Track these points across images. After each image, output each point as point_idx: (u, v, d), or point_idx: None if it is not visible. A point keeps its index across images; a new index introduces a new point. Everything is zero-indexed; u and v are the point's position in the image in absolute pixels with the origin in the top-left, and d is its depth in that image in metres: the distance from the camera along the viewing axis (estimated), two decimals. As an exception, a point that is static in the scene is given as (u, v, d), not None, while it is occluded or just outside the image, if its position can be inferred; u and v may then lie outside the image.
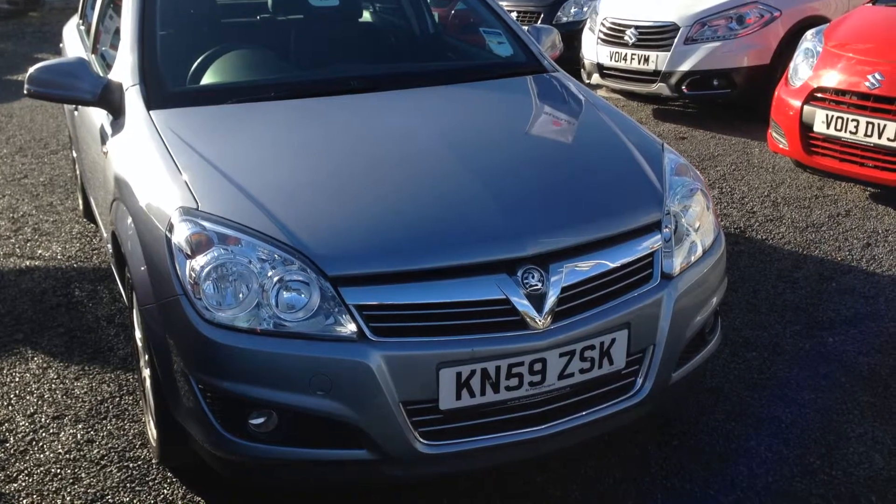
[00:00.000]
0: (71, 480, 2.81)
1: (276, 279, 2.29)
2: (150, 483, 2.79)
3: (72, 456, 2.94)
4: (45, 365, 3.54)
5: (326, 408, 2.27)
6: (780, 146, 5.59)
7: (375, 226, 2.41)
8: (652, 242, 2.60)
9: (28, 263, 4.62)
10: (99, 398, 3.28)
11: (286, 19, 4.06)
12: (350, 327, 2.27)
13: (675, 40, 7.17)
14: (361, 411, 2.28)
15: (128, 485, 2.79)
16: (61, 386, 3.38)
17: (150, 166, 2.71)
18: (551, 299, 2.37)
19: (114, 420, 3.14)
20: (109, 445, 2.99)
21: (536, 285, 2.36)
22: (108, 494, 2.74)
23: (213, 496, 2.72)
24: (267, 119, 3.00)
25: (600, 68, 7.77)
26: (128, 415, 3.17)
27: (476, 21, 4.08)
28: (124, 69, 3.18)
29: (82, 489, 2.77)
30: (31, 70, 3.15)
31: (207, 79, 3.28)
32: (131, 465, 2.89)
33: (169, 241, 2.41)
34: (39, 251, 4.77)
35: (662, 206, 2.67)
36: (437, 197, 2.56)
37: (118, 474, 2.84)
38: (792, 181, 5.80)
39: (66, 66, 3.19)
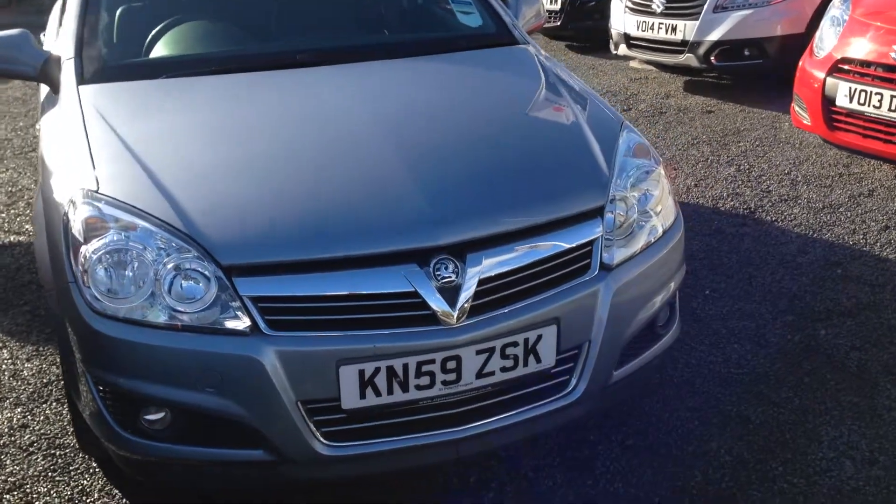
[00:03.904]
0: (-4, 466, 2.75)
1: (171, 269, 2.15)
2: (72, 473, 2.70)
3: (1, 441, 2.86)
4: (0, 344, 3.48)
5: (216, 406, 2.13)
6: (804, 122, 5.23)
7: (278, 213, 2.25)
8: (591, 231, 2.38)
9: (12, 239, 4.59)
10: (45, 380, 3.22)
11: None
12: (243, 320, 2.12)
13: (704, 8, 6.81)
14: (254, 410, 2.13)
15: (49, 474, 2.70)
16: (11, 367, 3.32)
17: (66, 145, 2.60)
18: (466, 292, 2.18)
19: (54, 404, 3.07)
20: (42, 431, 2.92)
21: (450, 277, 2.17)
22: (27, 484, 2.66)
23: (131, 489, 2.61)
24: (197, 96, 2.85)
25: (627, 38, 7.46)
26: (70, 399, 3.09)
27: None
28: (65, 42, 3.07)
29: (2, 477, 2.69)
30: (-26, 43, 3.06)
31: (151, 52, 3.14)
32: (58, 452, 2.80)
33: (66, 223, 2.29)
34: (27, 226, 4.73)
35: (607, 192, 2.45)
36: (355, 182, 2.38)
37: (42, 462, 2.76)
38: (817, 158, 5.45)
39: (8, 38, 3.09)
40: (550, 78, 3.06)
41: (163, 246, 2.18)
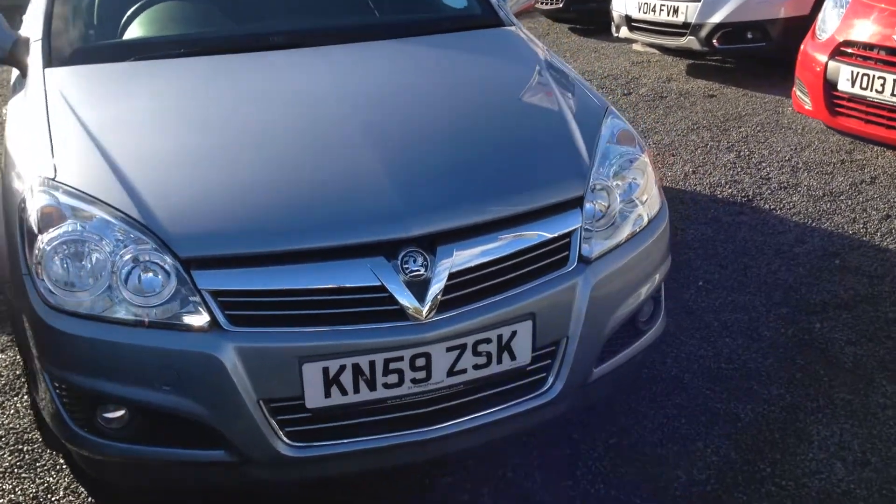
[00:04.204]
0: (-38, 462, 2.67)
1: (128, 261, 2.06)
2: (38, 469, 2.63)
3: (-32, 436, 2.80)
4: (-26, 335, 3.41)
5: (173, 405, 2.04)
6: (805, 107, 5.10)
7: (239, 203, 2.15)
8: (569, 222, 2.28)
9: None
10: (18, 372, 3.14)
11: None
12: (202, 315, 2.03)
13: (707, -11, 6.65)
14: (213, 409, 2.04)
15: (15, 470, 2.63)
16: (-16, 358, 3.25)
17: (27, 131, 2.50)
18: (436, 287, 2.08)
19: (25, 397, 2.99)
20: (10, 425, 2.84)
21: (418, 271, 2.07)
22: (-10, 480, 2.59)
23: (96, 487, 2.53)
24: (165, 80, 2.74)
25: (629, 21, 7.32)
26: (40, 391, 3.01)
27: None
28: (34, 22, 2.97)
29: (-34, 473, 2.62)
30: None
31: (124, 34, 3.04)
32: (25, 448, 2.73)
33: (22, 212, 2.20)
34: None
35: (586, 181, 2.34)
36: (322, 170, 2.27)
37: (9, 458, 2.68)
38: (819, 144, 5.33)
39: (-24, 20, 2.99)
40: (534, 62, 2.94)
41: (120, 237, 2.08)
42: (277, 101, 2.61)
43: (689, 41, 6.82)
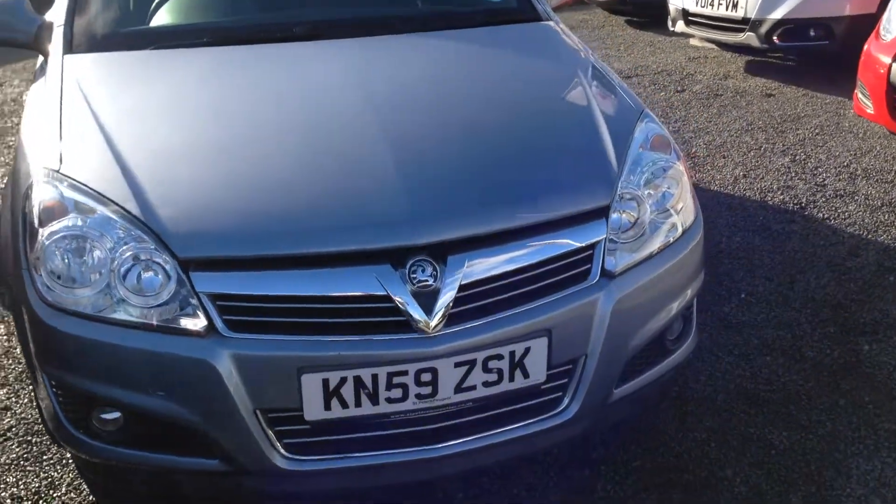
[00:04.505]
0: (-30, 452, 2.64)
1: (128, 259, 1.98)
2: (44, 463, 2.58)
3: (-20, 425, 2.77)
4: (-3, 320, 3.40)
5: (167, 410, 1.96)
6: (867, 110, 4.85)
7: (243, 203, 2.06)
8: (592, 233, 2.13)
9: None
10: (35, 361, 3.10)
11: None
12: (200, 319, 1.94)
13: (769, -17, 6.38)
14: (208, 417, 1.96)
15: (21, 462, 2.59)
16: (6, 344, 3.23)
17: (40, 119, 2.45)
18: (445, 298, 1.96)
19: (39, 387, 2.95)
20: (23, 415, 2.81)
21: (426, 281, 1.96)
22: (-4, 472, 2.55)
23: (98, 485, 2.47)
24: (181, 71, 2.66)
25: (685, 14, 7.07)
26: (56, 382, 2.97)
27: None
28: (59, 7, 2.92)
29: (-28, 465, 2.59)
30: (-30, 8, 2.93)
31: (149, 20, 2.97)
32: (34, 440, 2.69)
33: (25, 204, 2.14)
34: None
35: (613, 190, 2.20)
36: (332, 171, 2.16)
37: (17, 450, 2.64)
38: (882, 150, 5.06)
39: (4, 5, 2.95)
40: (569, 60, 2.80)
41: (122, 234, 2.00)
42: (294, 97, 2.51)
43: (747, 37, 6.55)
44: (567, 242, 2.10)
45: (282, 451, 2.00)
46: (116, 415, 2.05)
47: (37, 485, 2.50)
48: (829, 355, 3.05)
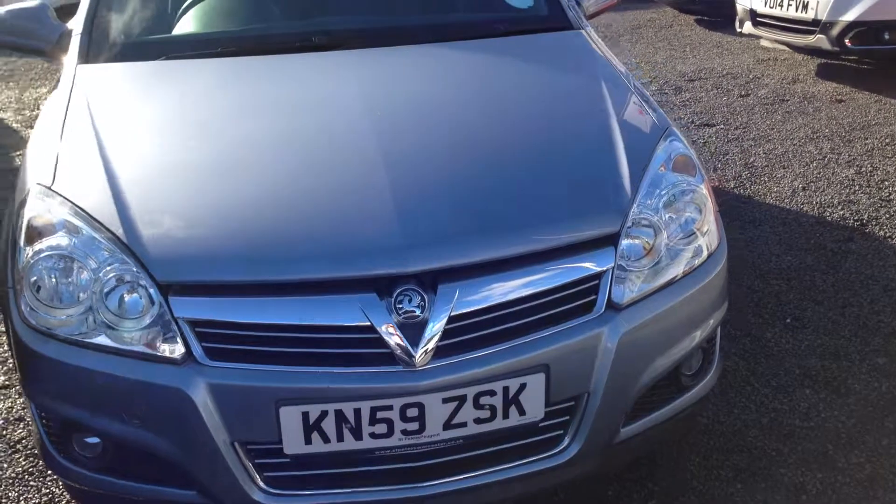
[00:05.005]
0: (-23, 463, 2.64)
1: (111, 281, 1.92)
2: (47, 479, 2.56)
3: (-9, 435, 2.77)
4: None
5: (142, 439, 1.90)
6: (940, 119, 4.54)
7: (226, 225, 1.97)
8: (599, 262, 1.99)
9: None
10: (54, 369, 3.10)
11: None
12: (178, 346, 1.87)
13: (841, -17, 6.06)
14: (183, 448, 1.89)
15: (25, 477, 2.57)
16: (29, 351, 3.23)
17: (45, 132, 2.41)
18: (432, 330, 1.84)
19: (54, 397, 2.94)
20: (32, 428, 2.78)
21: (413, 311, 1.84)
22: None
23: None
24: (186, 85, 2.59)
25: (753, 15, 6.78)
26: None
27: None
28: (79, 15, 2.89)
29: (-23, 477, 2.58)
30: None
31: (170, 29, 2.92)
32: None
33: (15, 220, 2.10)
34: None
35: (623, 216, 2.04)
36: (323, 195, 2.06)
37: (23, 463, 2.63)
38: (956, 162, 4.74)
39: (28, 11, 2.96)
40: (594, 73, 2.63)
41: (107, 255, 1.95)
42: (297, 115, 2.41)
43: (818, 40, 6.24)
44: (569, 272, 1.96)
45: (261, 484, 1.92)
46: (96, 441, 2.00)
47: (37, 501, 2.48)
48: (876, 389, 2.83)
